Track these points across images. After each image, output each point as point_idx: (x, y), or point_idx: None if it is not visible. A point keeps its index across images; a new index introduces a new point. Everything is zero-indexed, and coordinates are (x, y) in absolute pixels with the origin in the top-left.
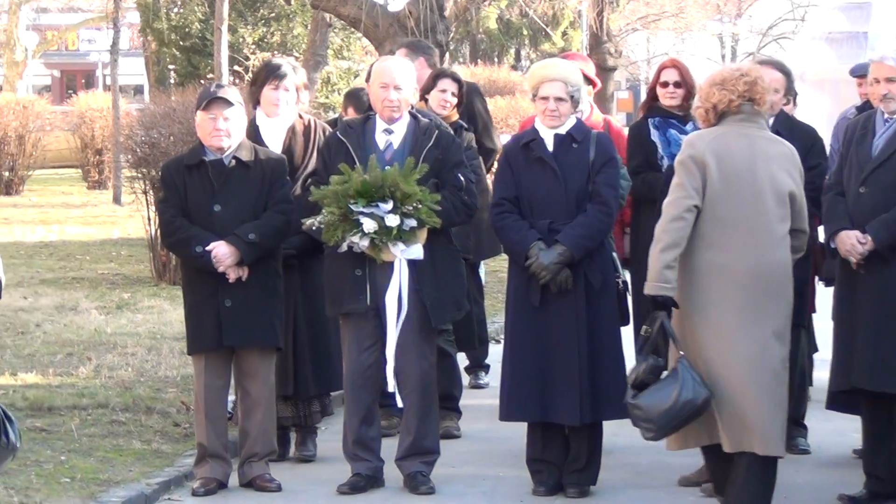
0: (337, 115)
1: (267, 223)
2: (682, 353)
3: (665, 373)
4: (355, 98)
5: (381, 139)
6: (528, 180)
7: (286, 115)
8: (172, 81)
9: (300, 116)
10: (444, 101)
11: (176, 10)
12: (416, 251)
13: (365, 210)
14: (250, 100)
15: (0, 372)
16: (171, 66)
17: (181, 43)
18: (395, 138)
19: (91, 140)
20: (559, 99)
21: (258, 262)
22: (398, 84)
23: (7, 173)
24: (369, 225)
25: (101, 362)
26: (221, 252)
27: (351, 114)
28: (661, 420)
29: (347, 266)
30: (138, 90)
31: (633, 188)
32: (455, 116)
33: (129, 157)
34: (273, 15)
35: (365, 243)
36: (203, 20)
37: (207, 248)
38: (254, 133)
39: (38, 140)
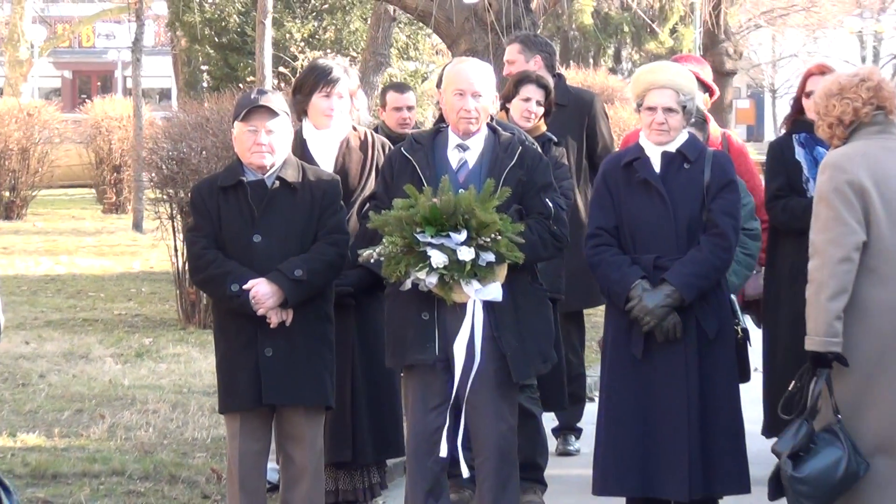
0: (377, 122)
1: (317, 257)
2: (839, 415)
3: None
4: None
5: (453, 157)
6: (631, 207)
7: (339, 126)
8: (206, 85)
9: (354, 129)
10: (527, 111)
11: (210, 0)
12: (494, 291)
13: (434, 241)
14: (295, 109)
15: None
16: (203, 67)
17: (216, 39)
18: (470, 156)
19: (108, 155)
20: (669, 110)
21: (305, 304)
22: (477, 90)
23: (8, 193)
24: (438, 258)
25: (116, 421)
26: (262, 291)
27: (389, 116)
28: (826, 496)
29: (412, 308)
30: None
31: (773, 216)
32: (542, 128)
33: (153, 175)
34: (326, 6)
35: (433, 280)
36: (243, 13)
37: (245, 287)
38: (300, 148)
39: (45, 154)
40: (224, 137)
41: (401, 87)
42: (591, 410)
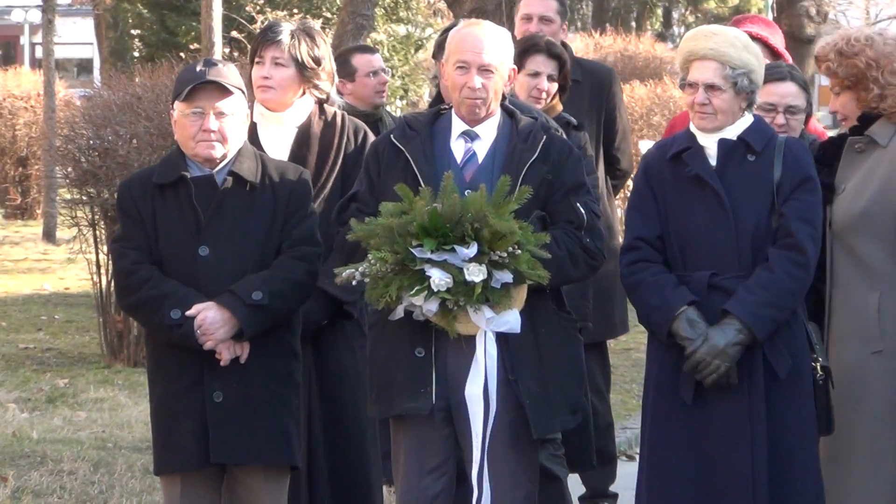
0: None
1: (280, 276)
2: None
3: None
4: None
5: (458, 148)
6: (679, 210)
7: (296, 106)
8: (137, 55)
9: (321, 110)
10: (537, 88)
11: None
12: (511, 321)
13: (434, 257)
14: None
15: None
16: (134, 32)
17: None
18: (479, 146)
19: (11, 144)
20: (711, 87)
21: (266, 336)
22: (486, 63)
23: None
24: (440, 279)
25: (21, 484)
26: (210, 319)
27: (349, 92)
28: None
29: (403, 342)
30: (85, 67)
31: None
32: (558, 109)
33: (70, 170)
34: None
35: (432, 307)
36: None
37: (189, 314)
38: (249, 136)
39: None
40: (160, 121)
41: (368, 49)
42: (629, 472)
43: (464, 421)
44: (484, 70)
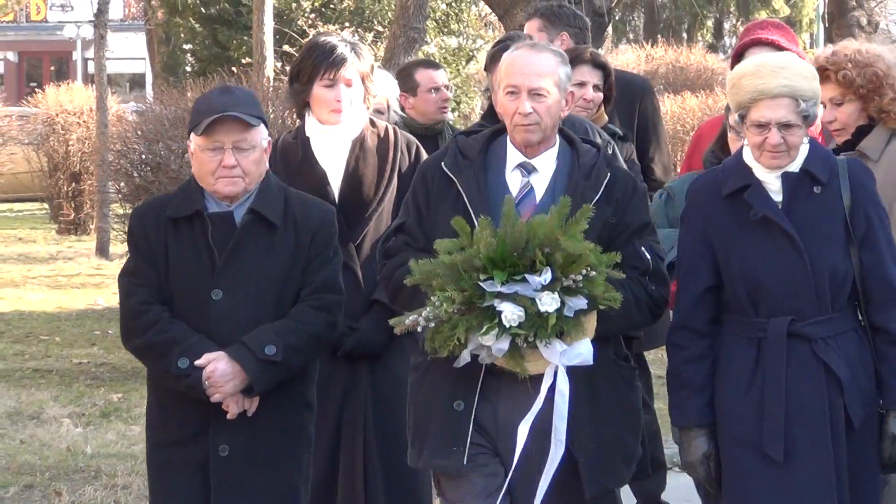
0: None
1: (298, 328)
2: None
3: None
4: (406, 77)
5: (514, 181)
6: (747, 254)
7: (350, 121)
8: (189, 69)
9: (372, 123)
10: (584, 98)
11: None
12: (584, 352)
13: (504, 289)
14: (293, 102)
15: None
16: (186, 47)
17: (203, 11)
18: (537, 181)
19: (64, 159)
20: (787, 126)
21: (278, 386)
22: (537, 87)
23: None
24: (512, 313)
25: (76, 499)
26: (220, 371)
27: (411, 106)
28: None
29: (442, 392)
30: (137, 82)
31: None
32: (604, 119)
33: (122, 185)
34: None
35: (503, 346)
36: None
37: (198, 363)
38: (302, 150)
39: None
40: None
41: (432, 64)
42: (680, 483)
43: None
44: (535, 94)
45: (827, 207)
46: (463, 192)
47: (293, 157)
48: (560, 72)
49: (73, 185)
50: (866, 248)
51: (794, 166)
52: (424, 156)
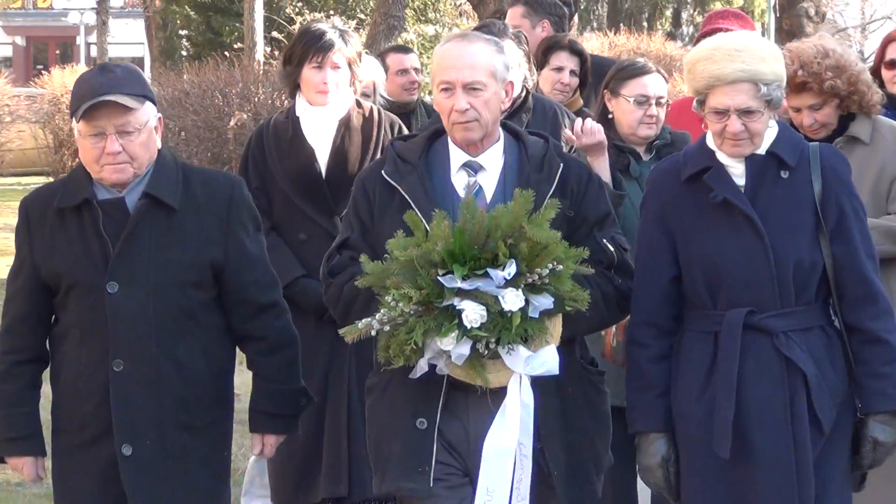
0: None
1: (277, 388)
2: None
3: None
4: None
5: (460, 182)
6: (705, 242)
7: (337, 102)
8: (185, 53)
9: (358, 104)
10: (560, 82)
11: None
12: (549, 360)
13: (465, 285)
14: (286, 83)
15: None
16: (182, 32)
17: None
18: (486, 179)
19: (69, 136)
20: (748, 112)
21: (191, 384)
22: (471, 81)
23: None
24: (473, 313)
25: None
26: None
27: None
28: None
29: (403, 411)
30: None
31: None
32: (579, 103)
33: None
34: None
35: (464, 350)
36: None
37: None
38: (292, 128)
39: None
40: (206, 115)
41: (402, 48)
42: None
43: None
44: (471, 88)
45: (795, 194)
46: (409, 198)
47: (284, 135)
48: (496, 61)
49: (77, 160)
50: (838, 240)
51: (761, 149)
52: (407, 132)
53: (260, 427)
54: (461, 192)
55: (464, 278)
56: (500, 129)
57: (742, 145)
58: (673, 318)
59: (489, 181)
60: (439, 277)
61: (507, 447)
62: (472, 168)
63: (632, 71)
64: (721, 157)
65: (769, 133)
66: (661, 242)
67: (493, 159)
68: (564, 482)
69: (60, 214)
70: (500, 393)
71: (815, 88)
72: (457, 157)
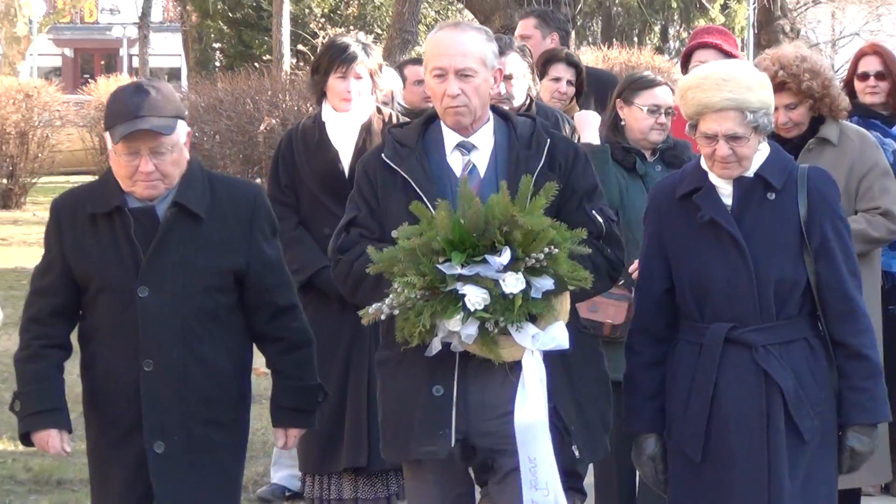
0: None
1: (297, 385)
2: None
3: None
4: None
5: (455, 162)
6: (694, 258)
7: (360, 109)
8: (218, 64)
9: (378, 110)
10: (558, 91)
11: None
12: (558, 336)
13: (465, 271)
14: (313, 92)
15: None
16: (216, 45)
17: (230, 15)
18: (478, 157)
19: None
20: (735, 138)
21: (213, 382)
22: (462, 67)
23: (5, 181)
24: (475, 296)
25: None
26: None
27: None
28: None
29: (419, 381)
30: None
31: None
32: (575, 110)
33: None
34: None
35: (471, 331)
36: None
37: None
38: (319, 132)
39: (45, 138)
40: (239, 120)
41: (419, 61)
42: None
43: (493, 452)
44: (462, 75)
45: (780, 215)
46: (410, 179)
47: (311, 139)
48: (486, 49)
49: None
50: (822, 259)
51: (750, 172)
52: None
53: (283, 422)
54: (457, 171)
55: (463, 265)
56: (490, 112)
57: (730, 168)
58: (666, 325)
59: (482, 159)
60: (439, 266)
61: (536, 420)
62: (466, 148)
63: (644, 83)
64: (713, 177)
65: (759, 156)
66: (657, 256)
67: (485, 138)
68: (580, 437)
69: (92, 219)
70: (517, 364)
71: (793, 88)
72: (450, 138)
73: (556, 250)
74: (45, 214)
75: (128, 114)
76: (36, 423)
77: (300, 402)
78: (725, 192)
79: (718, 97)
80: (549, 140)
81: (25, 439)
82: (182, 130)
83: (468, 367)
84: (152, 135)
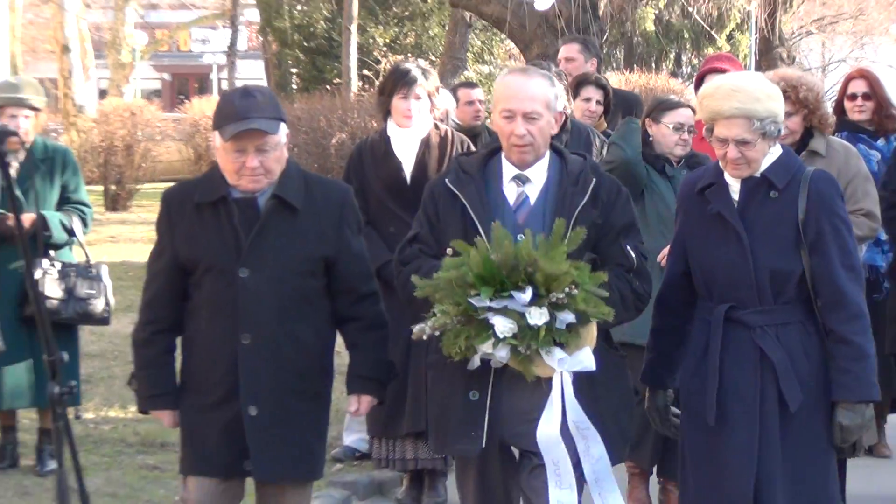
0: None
1: (373, 357)
2: None
3: None
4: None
5: (510, 192)
6: (704, 245)
7: (419, 125)
8: (295, 87)
9: (436, 127)
10: (588, 110)
11: (300, 7)
12: (585, 360)
13: (493, 304)
14: (379, 110)
15: (109, 404)
16: (293, 70)
17: (305, 44)
18: (531, 190)
19: (206, 151)
20: (744, 143)
21: (303, 357)
22: (529, 110)
23: (114, 187)
24: (503, 326)
25: None
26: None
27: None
28: None
29: (458, 386)
30: None
31: None
32: (603, 126)
33: None
34: (407, 14)
35: (503, 354)
36: (329, 19)
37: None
38: (384, 145)
39: (148, 150)
40: (314, 135)
41: (469, 84)
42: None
43: (525, 451)
44: (528, 117)
45: (781, 212)
46: (467, 204)
47: (378, 151)
48: (550, 94)
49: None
50: (816, 253)
51: (757, 172)
52: (473, 149)
53: (358, 388)
54: (511, 200)
55: (492, 298)
56: (548, 149)
57: (740, 169)
58: (681, 301)
59: (534, 191)
60: (470, 299)
61: (553, 434)
62: (521, 180)
63: (670, 104)
64: (726, 176)
65: (769, 158)
66: (680, 241)
67: (539, 173)
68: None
69: (198, 208)
70: (549, 379)
71: (791, 97)
72: (508, 170)
73: (577, 291)
74: (148, 216)
75: (237, 115)
76: (152, 403)
77: (376, 373)
78: (735, 189)
79: (728, 106)
80: (594, 179)
81: (143, 411)
82: (283, 131)
83: (503, 376)
84: (259, 133)
